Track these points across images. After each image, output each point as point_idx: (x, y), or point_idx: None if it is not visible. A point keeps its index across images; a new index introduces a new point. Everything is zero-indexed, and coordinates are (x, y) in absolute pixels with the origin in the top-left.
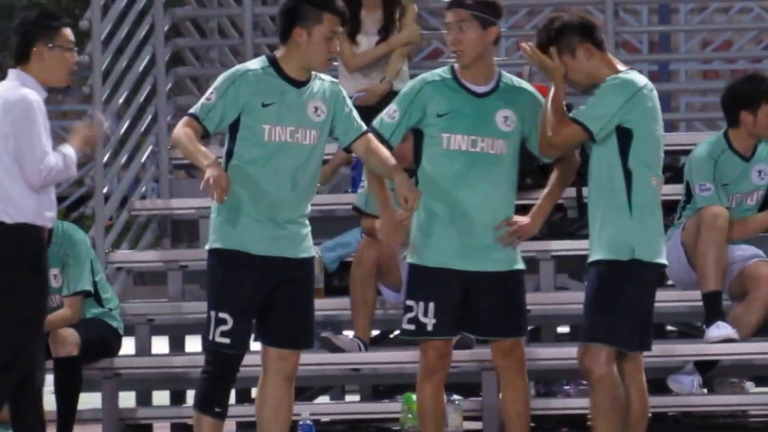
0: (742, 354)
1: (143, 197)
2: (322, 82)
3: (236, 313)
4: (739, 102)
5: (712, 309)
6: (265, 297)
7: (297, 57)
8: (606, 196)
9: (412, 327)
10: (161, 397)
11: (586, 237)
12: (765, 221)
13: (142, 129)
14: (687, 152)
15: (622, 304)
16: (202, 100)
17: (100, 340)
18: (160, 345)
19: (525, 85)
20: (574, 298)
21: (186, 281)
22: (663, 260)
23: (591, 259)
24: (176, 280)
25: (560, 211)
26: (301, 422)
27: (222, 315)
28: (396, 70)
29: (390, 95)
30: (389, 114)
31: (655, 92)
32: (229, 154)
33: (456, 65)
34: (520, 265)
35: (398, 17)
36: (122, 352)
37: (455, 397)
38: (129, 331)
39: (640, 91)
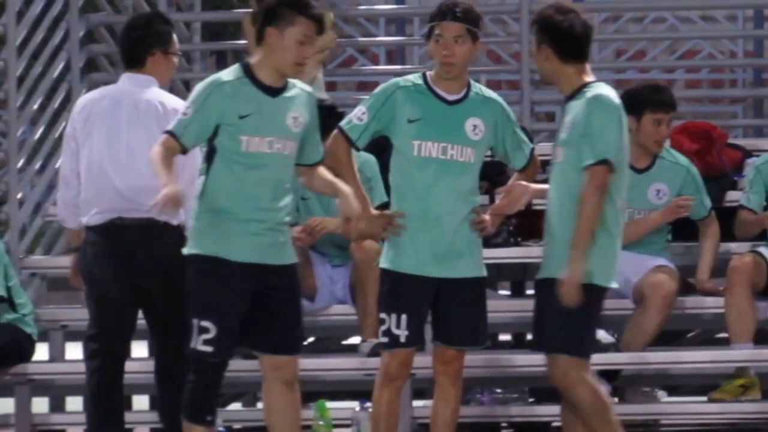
0: (655, 363)
1: (57, 203)
2: (299, 90)
3: (219, 322)
4: (625, 108)
5: None
6: (249, 304)
7: (270, 60)
8: (568, 217)
9: (385, 340)
10: (74, 403)
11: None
12: (648, 224)
13: (57, 135)
14: None
15: (582, 321)
16: (179, 115)
17: (13, 346)
18: (73, 351)
19: (494, 95)
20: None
21: None
22: (614, 284)
23: (549, 275)
24: None
25: None
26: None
27: (204, 323)
28: (311, 78)
29: None
30: (358, 116)
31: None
32: (209, 163)
33: (429, 72)
34: (485, 272)
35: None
36: (36, 357)
37: (368, 404)
38: (43, 336)
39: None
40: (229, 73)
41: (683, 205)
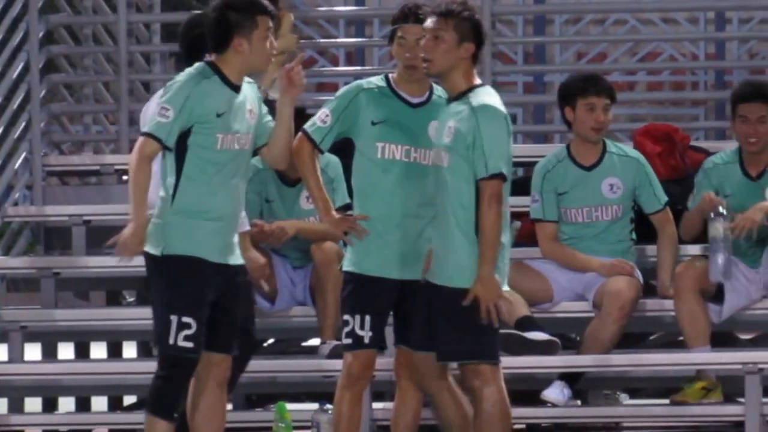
0: (617, 366)
1: (16, 204)
2: (246, 83)
3: (198, 319)
4: (561, 99)
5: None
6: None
7: (238, 64)
8: (453, 223)
9: (349, 341)
10: (33, 404)
11: None
12: (582, 264)
13: (16, 136)
14: None
15: (489, 326)
16: (158, 117)
17: None
18: (32, 352)
19: None
20: None
21: (59, 288)
22: (505, 287)
23: (435, 281)
24: (49, 287)
25: None
26: None
27: (186, 319)
28: (272, 80)
29: (265, 104)
30: (321, 118)
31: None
32: (180, 163)
33: (392, 75)
34: None
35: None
36: None
37: (328, 406)
38: (2, 337)
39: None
40: (201, 72)
41: (628, 272)
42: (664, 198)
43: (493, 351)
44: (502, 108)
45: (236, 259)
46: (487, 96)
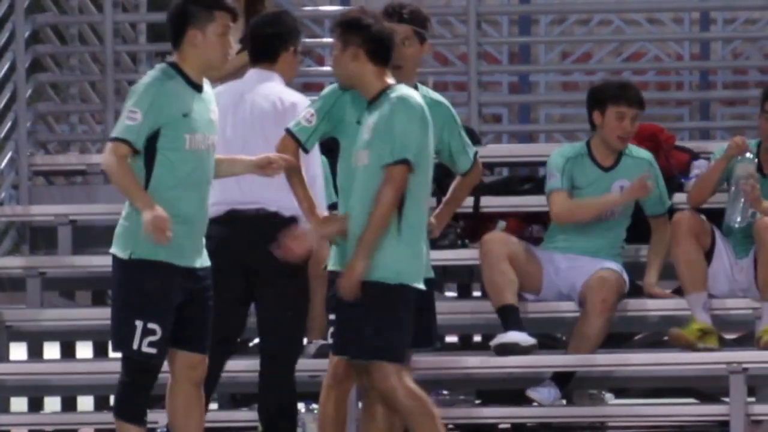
0: (602, 366)
1: (2, 204)
2: (206, 84)
3: (164, 324)
4: (591, 102)
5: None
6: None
7: (195, 60)
8: None
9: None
10: (19, 404)
11: None
12: (605, 201)
13: (2, 135)
14: (546, 163)
15: (393, 324)
16: (127, 121)
17: None
18: (18, 352)
19: (441, 98)
20: None
21: (44, 288)
22: (420, 285)
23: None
24: (35, 287)
25: None
26: (158, 429)
27: (151, 326)
28: None
29: None
30: (306, 118)
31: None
32: (149, 167)
33: None
34: (432, 274)
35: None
36: None
37: (314, 405)
38: None
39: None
40: (164, 73)
41: (645, 185)
42: (668, 203)
43: (395, 351)
44: (420, 101)
45: (203, 261)
46: (404, 90)
